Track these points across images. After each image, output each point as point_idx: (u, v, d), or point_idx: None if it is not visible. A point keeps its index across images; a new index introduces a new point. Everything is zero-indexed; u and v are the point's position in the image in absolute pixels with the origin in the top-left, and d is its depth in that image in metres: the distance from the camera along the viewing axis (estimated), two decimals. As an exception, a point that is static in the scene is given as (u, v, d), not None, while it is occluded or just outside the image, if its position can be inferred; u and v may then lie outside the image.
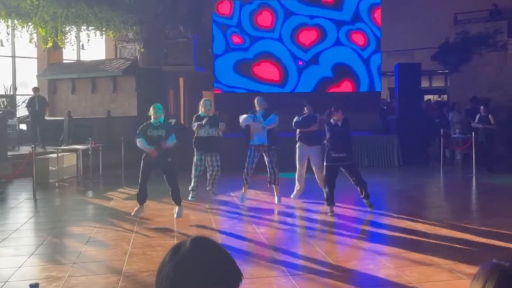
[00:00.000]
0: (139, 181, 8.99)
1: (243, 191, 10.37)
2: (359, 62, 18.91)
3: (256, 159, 10.11)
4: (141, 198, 9.04)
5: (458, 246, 7.18)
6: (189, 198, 10.20)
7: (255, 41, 18.83)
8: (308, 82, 18.87)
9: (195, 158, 10.31)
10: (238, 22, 18.87)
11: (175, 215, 9.05)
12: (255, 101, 10.14)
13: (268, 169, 10.13)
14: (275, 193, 10.31)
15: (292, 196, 10.63)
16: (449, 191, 12.66)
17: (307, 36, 18.94)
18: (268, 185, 10.38)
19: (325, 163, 9.59)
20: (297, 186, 10.72)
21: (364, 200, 9.58)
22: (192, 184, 10.35)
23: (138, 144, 8.84)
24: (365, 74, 18.90)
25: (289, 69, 18.93)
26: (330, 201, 9.48)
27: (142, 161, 8.97)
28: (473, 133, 14.09)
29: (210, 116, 10.22)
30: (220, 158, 10.33)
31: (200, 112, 10.38)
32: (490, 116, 14.60)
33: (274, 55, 18.85)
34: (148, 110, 9.15)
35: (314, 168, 10.57)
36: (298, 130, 10.42)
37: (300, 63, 18.88)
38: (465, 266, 6.24)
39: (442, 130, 15.62)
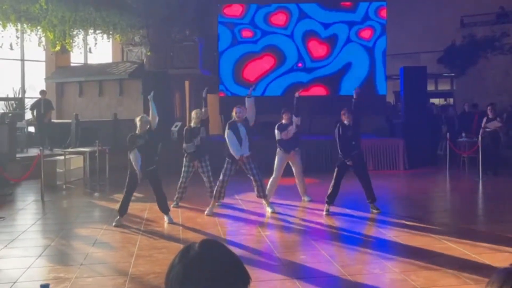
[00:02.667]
0: (126, 194, 8.99)
1: (212, 205, 9.78)
2: (363, 56, 18.90)
3: (234, 172, 9.70)
4: (124, 211, 9.07)
5: (464, 251, 7.12)
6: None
7: (266, 34, 19.01)
8: (277, 86, 18.92)
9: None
10: (251, 20, 19.02)
11: (167, 222, 9.07)
12: (234, 111, 9.61)
13: (254, 182, 9.64)
14: (266, 205, 9.90)
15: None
16: (455, 195, 12.61)
17: (317, 48, 18.98)
18: (258, 196, 9.93)
19: (337, 164, 9.78)
20: (268, 192, 10.32)
21: (370, 205, 9.70)
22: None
23: (133, 157, 8.77)
24: (366, 69, 18.87)
25: (287, 54, 19.04)
26: (331, 200, 9.68)
27: (129, 174, 8.95)
28: (479, 137, 14.01)
29: (198, 127, 10.32)
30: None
31: (192, 123, 10.45)
32: (498, 118, 14.51)
33: (279, 47, 18.98)
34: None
35: (296, 172, 10.66)
36: (277, 137, 10.52)
37: (300, 64, 18.92)
38: (471, 271, 6.15)
39: (448, 133, 15.59)
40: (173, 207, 10.07)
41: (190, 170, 10.33)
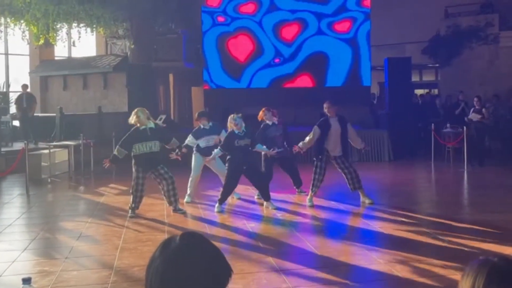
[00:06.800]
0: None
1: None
2: (340, 49, 19.00)
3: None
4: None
5: (449, 241, 7.14)
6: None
7: (235, 19, 19.12)
8: (263, 77, 18.98)
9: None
10: (224, 9, 19.14)
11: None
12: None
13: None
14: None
15: (185, 201, 10.01)
16: (440, 186, 12.64)
17: (289, 31, 19.05)
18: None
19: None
20: (189, 191, 10.18)
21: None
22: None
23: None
24: (349, 60, 18.97)
25: (265, 45, 19.07)
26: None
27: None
28: (464, 128, 14.03)
29: (151, 127, 9.05)
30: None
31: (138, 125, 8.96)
32: (484, 109, 14.47)
33: (252, 30, 19.07)
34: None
35: (219, 174, 10.04)
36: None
37: (277, 60, 18.97)
38: (456, 262, 6.18)
39: (433, 124, 15.62)
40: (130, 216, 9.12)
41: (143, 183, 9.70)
